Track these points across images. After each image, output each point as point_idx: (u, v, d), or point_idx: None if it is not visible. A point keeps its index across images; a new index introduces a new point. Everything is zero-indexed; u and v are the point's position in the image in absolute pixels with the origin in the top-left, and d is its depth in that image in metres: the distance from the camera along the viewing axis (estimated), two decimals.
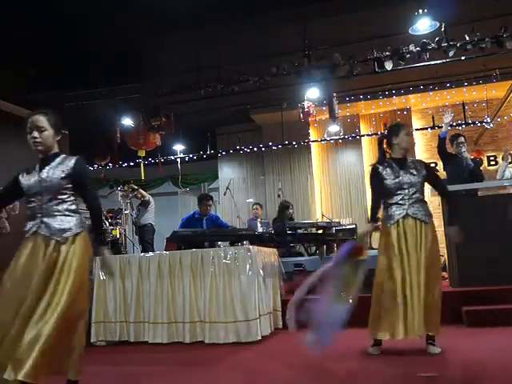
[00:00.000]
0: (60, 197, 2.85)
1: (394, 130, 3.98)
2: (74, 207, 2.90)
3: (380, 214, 4.00)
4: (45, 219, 2.82)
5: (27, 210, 2.92)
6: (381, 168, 3.91)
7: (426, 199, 3.95)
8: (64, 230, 2.81)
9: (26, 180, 2.89)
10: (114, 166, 10.59)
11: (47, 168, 2.88)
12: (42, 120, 2.87)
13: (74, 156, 2.95)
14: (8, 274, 2.78)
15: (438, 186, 4.10)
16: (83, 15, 6.69)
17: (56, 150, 2.96)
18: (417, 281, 3.66)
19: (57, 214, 2.83)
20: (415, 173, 3.85)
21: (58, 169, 2.87)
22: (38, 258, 2.77)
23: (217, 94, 7.92)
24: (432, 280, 3.70)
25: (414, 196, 3.82)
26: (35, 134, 2.85)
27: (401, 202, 3.82)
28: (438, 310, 3.72)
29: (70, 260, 2.77)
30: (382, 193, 3.91)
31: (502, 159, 8.25)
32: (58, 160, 2.91)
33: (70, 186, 2.88)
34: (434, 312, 3.68)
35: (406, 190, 3.82)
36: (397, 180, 3.83)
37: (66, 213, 2.85)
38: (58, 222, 2.81)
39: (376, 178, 3.92)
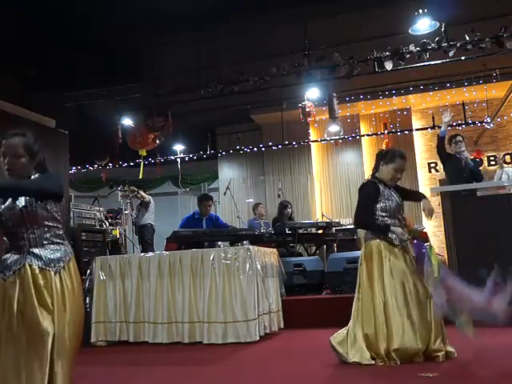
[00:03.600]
0: (47, 224, 2.57)
1: (387, 157, 3.78)
2: (61, 232, 2.64)
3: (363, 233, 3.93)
4: (34, 250, 2.52)
5: (8, 241, 2.57)
6: (381, 187, 3.74)
7: None
8: (57, 260, 2.54)
9: (4, 207, 2.53)
10: (114, 166, 10.59)
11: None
12: (14, 143, 2.51)
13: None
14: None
15: (405, 191, 3.96)
16: (83, 15, 6.69)
17: (32, 173, 2.60)
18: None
19: (46, 242, 2.55)
20: (400, 197, 3.78)
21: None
22: (31, 296, 2.44)
23: (217, 94, 7.92)
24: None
25: (403, 220, 3.78)
26: (8, 160, 2.51)
27: (399, 225, 3.70)
28: None
29: (67, 291, 2.52)
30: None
31: (498, 167, 8.28)
32: None
33: (55, 209, 2.58)
34: None
35: (400, 215, 3.76)
36: (396, 203, 3.71)
37: (56, 240, 2.59)
38: (47, 252, 2.53)
39: (375, 194, 3.70)
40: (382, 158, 3.82)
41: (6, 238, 2.62)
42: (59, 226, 2.64)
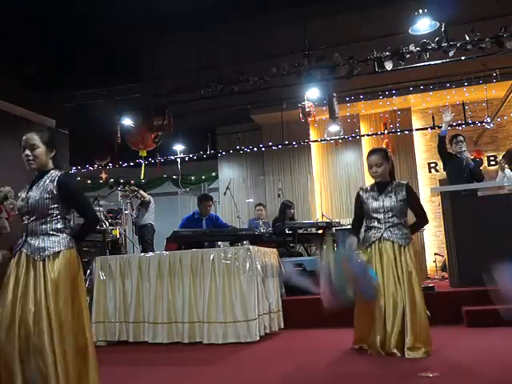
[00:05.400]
0: (45, 217, 2.83)
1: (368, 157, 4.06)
2: (59, 226, 2.86)
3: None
4: (28, 238, 2.83)
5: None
6: (362, 192, 4.07)
7: (406, 223, 3.98)
8: (43, 249, 2.79)
9: (20, 198, 2.92)
10: (114, 166, 10.59)
11: (34, 187, 2.87)
12: (34, 138, 2.88)
13: (59, 172, 2.90)
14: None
15: (415, 209, 4.05)
16: (83, 15, 6.69)
17: (50, 166, 2.95)
18: (392, 301, 3.71)
19: (40, 233, 2.82)
20: (393, 196, 3.92)
21: (44, 189, 2.84)
22: (18, 277, 2.76)
23: (217, 94, 7.91)
24: (412, 302, 3.70)
25: (390, 220, 3.88)
26: (27, 151, 2.88)
27: (377, 225, 3.91)
28: (425, 329, 3.70)
29: (46, 280, 2.73)
30: (361, 216, 4.08)
31: (498, 167, 8.26)
32: (44, 178, 2.88)
33: (55, 205, 2.84)
34: (420, 332, 3.66)
35: (382, 215, 3.90)
36: (374, 204, 3.94)
37: (50, 232, 2.83)
38: (38, 241, 2.81)
39: (357, 201, 4.10)
40: None
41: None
42: (59, 220, 2.87)
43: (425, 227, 9.87)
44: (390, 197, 3.91)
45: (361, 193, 4.07)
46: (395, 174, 4.13)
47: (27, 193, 2.88)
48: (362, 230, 4.09)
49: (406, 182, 4.05)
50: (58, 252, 2.80)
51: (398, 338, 3.65)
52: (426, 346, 3.65)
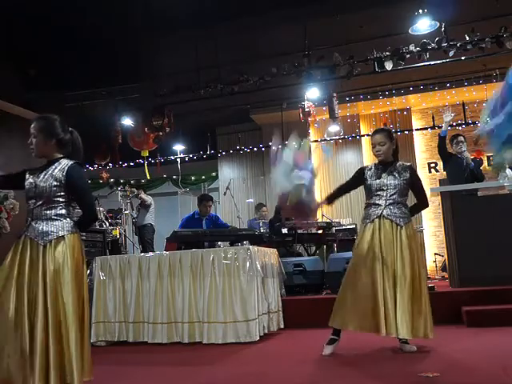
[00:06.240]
0: (51, 203, 2.84)
1: (372, 136, 4.11)
2: (63, 211, 2.87)
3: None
4: (33, 222, 2.85)
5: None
6: (366, 170, 4.09)
7: (406, 203, 3.98)
8: (47, 233, 2.80)
9: (27, 181, 2.91)
10: (114, 166, 10.59)
11: (43, 174, 2.87)
12: (32, 127, 2.91)
13: (70, 162, 2.90)
14: None
15: (417, 191, 4.07)
16: (83, 15, 6.69)
17: (57, 155, 2.93)
18: (391, 283, 3.70)
19: (44, 218, 2.83)
20: (397, 175, 3.94)
21: (52, 176, 2.84)
22: (22, 260, 2.78)
23: (217, 94, 7.92)
24: (410, 284, 3.69)
25: (391, 197, 3.90)
26: (29, 140, 2.92)
27: (378, 202, 3.92)
28: (425, 313, 3.68)
29: (49, 264, 2.74)
30: (349, 185, 4.28)
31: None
32: (54, 166, 2.88)
33: (62, 193, 2.86)
34: (418, 316, 3.65)
35: (385, 192, 3.91)
36: (377, 181, 3.95)
37: (54, 217, 2.84)
38: (42, 226, 2.81)
39: (357, 176, 4.14)
40: None
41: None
42: (64, 206, 2.88)
43: (423, 226, 9.96)
44: (394, 176, 3.93)
45: (365, 171, 4.08)
46: (399, 155, 4.13)
47: (35, 178, 2.87)
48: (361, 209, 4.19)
49: (409, 164, 4.08)
50: (62, 236, 2.81)
51: (396, 318, 3.62)
52: (424, 324, 3.65)
